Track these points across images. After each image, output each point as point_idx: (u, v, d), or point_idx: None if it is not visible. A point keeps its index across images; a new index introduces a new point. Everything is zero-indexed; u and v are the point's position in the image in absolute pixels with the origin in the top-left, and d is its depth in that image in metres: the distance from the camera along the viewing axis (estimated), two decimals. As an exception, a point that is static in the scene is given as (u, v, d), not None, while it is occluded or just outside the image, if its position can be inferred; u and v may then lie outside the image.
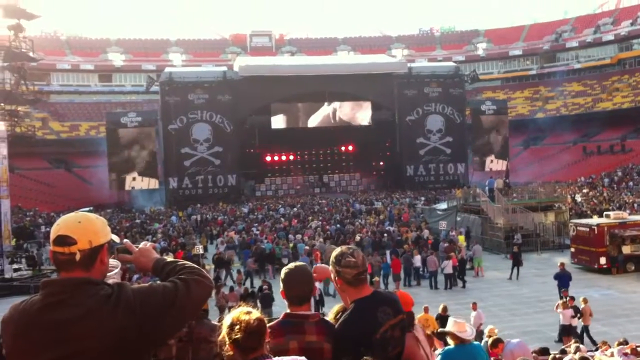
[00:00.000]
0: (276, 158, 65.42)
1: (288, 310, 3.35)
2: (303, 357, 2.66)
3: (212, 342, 2.97)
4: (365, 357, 2.96)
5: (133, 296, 2.43)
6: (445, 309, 18.05)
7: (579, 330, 17.12)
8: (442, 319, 17.31)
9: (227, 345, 2.64)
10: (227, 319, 2.67)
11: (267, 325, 3.17)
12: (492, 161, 60.98)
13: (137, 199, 57.72)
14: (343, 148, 67.76)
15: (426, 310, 17.54)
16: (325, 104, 60.32)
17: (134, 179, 56.32)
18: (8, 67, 54.60)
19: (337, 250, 3.42)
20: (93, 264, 2.47)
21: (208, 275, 2.73)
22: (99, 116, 69.25)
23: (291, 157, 66.34)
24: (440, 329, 6.50)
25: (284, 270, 3.42)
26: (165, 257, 2.90)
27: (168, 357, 2.87)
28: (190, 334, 3.00)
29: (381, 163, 65.27)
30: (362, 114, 61.43)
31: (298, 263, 3.55)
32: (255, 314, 2.67)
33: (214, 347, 2.95)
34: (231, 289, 21.73)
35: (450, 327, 6.10)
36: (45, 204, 55.22)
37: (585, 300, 17.71)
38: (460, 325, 6.00)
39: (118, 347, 2.34)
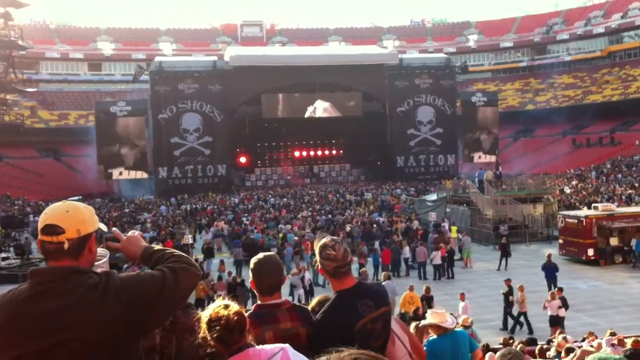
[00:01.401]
0: (266, 148, 65.25)
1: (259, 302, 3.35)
2: (287, 345, 2.64)
3: (196, 332, 2.96)
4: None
5: (121, 285, 2.41)
6: (428, 289, 18.54)
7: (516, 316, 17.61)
8: (427, 299, 17.65)
9: (209, 341, 2.63)
10: (206, 315, 2.65)
11: None
12: (480, 157, 61.19)
13: (126, 188, 57.55)
14: (334, 139, 67.73)
15: (411, 289, 17.90)
16: (317, 102, 60.12)
17: (120, 173, 56.32)
18: (-4, 55, 54.21)
19: (322, 241, 3.41)
20: (81, 253, 2.46)
21: (196, 264, 2.72)
22: (88, 105, 68.86)
23: (281, 148, 66.24)
24: (422, 322, 6.61)
25: (253, 261, 3.42)
26: (154, 246, 2.88)
27: (151, 346, 2.85)
28: (175, 324, 2.99)
29: (371, 154, 65.26)
30: (352, 106, 61.29)
31: (267, 253, 3.56)
32: (234, 307, 2.65)
33: (197, 336, 2.94)
34: (219, 278, 21.72)
35: (430, 318, 6.25)
36: (33, 193, 54.96)
37: (521, 288, 18.13)
38: (440, 315, 6.17)
39: (106, 335, 2.33)
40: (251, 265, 3.40)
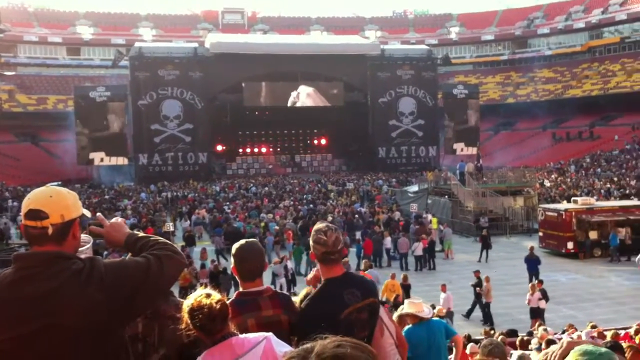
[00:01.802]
0: (248, 137, 65.02)
1: (241, 289, 3.39)
2: (270, 333, 2.68)
3: (178, 320, 2.92)
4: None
5: (105, 271, 2.41)
6: (405, 277, 18.90)
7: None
8: (405, 287, 17.81)
9: (191, 330, 2.65)
10: (188, 304, 2.67)
11: None
12: (462, 149, 61.35)
13: (106, 174, 57.07)
14: (315, 129, 67.62)
15: (393, 276, 18.10)
16: (300, 87, 59.92)
17: (102, 159, 55.78)
18: (-27, 37, 53.28)
19: (318, 225, 3.47)
20: (65, 239, 2.44)
21: (180, 252, 2.72)
22: (67, 90, 68.04)
23: (263, 137, 66.04)
24: (399, 312, 6.74)
25: (234, 246, 3.44)
26: (137, 233, 2.87)
27: (134, 334, 2.85)
28: (156, 311, 2.95)
29: (353, 144, 65.31)
30: (333, 96, 61.17)
31: (249, 239, 3.59)
32: (216, 296, 2.67)
33: (180, 324, 2.90)
34: (202, 266, 21.67)
35: (408, 308, 6.48)
36: (11, 177, 54.31)
37: (487, 279, 18.38)
38: (417, 305, 6.42)
39: (90, 321, 2.32)
40: (233, 251, 3.42)
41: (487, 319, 17.86)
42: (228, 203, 39.46)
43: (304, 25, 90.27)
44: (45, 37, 78.94)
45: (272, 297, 3.34)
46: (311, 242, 3.41)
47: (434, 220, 31.36)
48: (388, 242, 26.60)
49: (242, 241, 3.49)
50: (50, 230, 2.39)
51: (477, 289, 18.19)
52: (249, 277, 3.36)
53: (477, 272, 19.10)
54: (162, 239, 2.72)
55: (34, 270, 2.34)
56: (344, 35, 74.88)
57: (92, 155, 55.13)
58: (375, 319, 3.42)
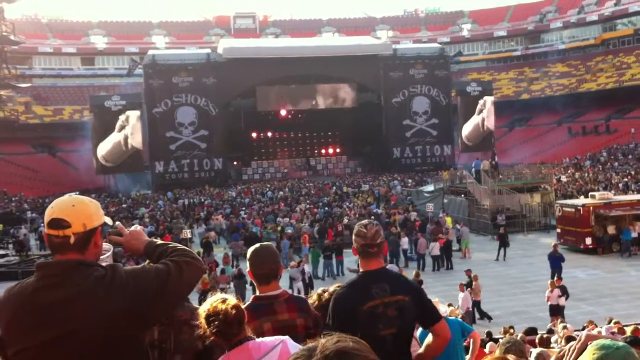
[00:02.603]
0: (262, 141, 65.18)
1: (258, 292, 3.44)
2: (287, 337, 2.70)
3: (193, 326, 2.98)
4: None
5: (126, 278, 2.45)
6: (417, 274, 18.81)
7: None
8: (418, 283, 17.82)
9: (208, 335, 2.70)
10: (204, 309, 2.71)
11: None
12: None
13: (123, 183, 57.43)
14: (330, 131, 67.65)
15: (417, 275, 18.10)
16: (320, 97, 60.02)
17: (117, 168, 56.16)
18: (-11, 50, 53.89)
19: (361, 221, 3.61)
20: (87, 247, 2.49)
21: (199, 258, 2.76)
22: (82, 100, 68.60)
23: (277, 141, 66.17)
24: None
25: (250, 250, 3.51)
26: (156, 240, 2.92)
27: (150, 341, 2.89)
28: (172, 317, 3.01)
29: (367, 145, 65.25)
30: (346, 97, 61.15)
31: (264, 243, 3.68)
32: (232, 300, 2.72)
33: (195, 330, 2.96)
34: (222, 271, 21.83)
35: None
36: (29, 189, 54.83)
37: (475, 277, 18.44)
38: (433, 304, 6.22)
39: (112, 327, 2.36)
40: (248, 254, 3.48)
41: (484, 316, 17.82)
42: (244, 208, 39.57)
43: (315, 28, 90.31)
44: (59, 47, 79.55)
45: (288, 301, 3.39)
46: (353, 236, 3.52)
47: (448, 219, 31.25)
48: (405, 242, 26.56)
49: (257, 245, 3.56)
50: (72, 239, 2.43)
51: (469, 288, 17.99)
52: (264, 280, 3.41)
53: (468, 271, 19.13)
54: (180, 246, 2.76)
55: (56, 279, 2.39)
56: (355, 36, 74.84)
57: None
58: (406, 318, 3.40)
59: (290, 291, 3.77)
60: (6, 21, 55.39)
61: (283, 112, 61.31)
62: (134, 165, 55.64)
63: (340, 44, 66.78)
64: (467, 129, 62.08)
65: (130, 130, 54.69)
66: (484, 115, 61.84)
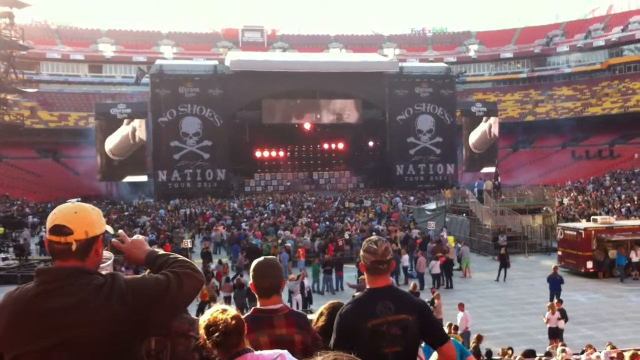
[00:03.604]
0: (266, 154, 65.35)
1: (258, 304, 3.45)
2: (285, 351, 2.69)
3: (190, 337, 2.97)
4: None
5: (126, 287, 2.45)
6: (415, 286, 18.96)
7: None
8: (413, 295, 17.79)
9: (207, 345, 2.68)
10: (204, 319, 2.70)
11: None
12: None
13: (126, 191, 57.55)
14: (333, 146, 67.80)
15: (414, 287, 18.20)
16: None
17: (122, 176, 56.44)
18: (-2, 55, 54.13)
19: (369, 237, 3.58)
20: (88, 254, 2.48)
21: (199, 270, 2.75)
22: (88, 107, 68.86)
23: (281, 154, 66.32)
24: None
25: (253, 263, 3.52)
26: (158, 250, 2.91)
27: (147, 351, 2.87)
28: (169, 328, 3.01)
29: (371, 162, 65.32)
30: (351, 113, 61.34)
31: (268, 257, 3.65)
32: (231, 311, 2.71)
33: (192, 341, 2.94)
34: (227, 279, 21.87)
35: None
36: (32, 193, 54.90)
37: (438, 296, 18.53)
38: None
39: (109, 336, 2.36)
40: (251, 268, 3.49)
41: None
42: (245, 220, 39.57)
43: (323, 43, 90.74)
44: (67, 54, 79.96)
45: (288, 316, 3.39)
46: (361, 252, 3.49)
47: (450, 238, 31.19)
48: (405, 260, 26.49)
49: (261, 258, 3.56)
50: (74, 246, 2.43)
51: (432, 306, 17.94)
52: (265, 294, 3.42)
53: (433, 289, 19.28)
54: (181, 257, 2.76)
55: (55, 285, 2.38)
56: (362, 53, 75.12)
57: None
58: (410, 338, 3.37)
59: (288, 304, 3.74)
60: (15, 26, 55.62)
61: (307, 126, 61.47)
62: (138, 159, 55.99)
63: (347, 60, 67.08)
64: (474, 136, 62.52)
65: (138, 122, 55.48)
66: (491, 122, 62.41)
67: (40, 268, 2.50)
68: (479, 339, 14.82)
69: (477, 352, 13.05)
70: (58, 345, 2.31)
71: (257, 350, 2.78)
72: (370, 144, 64.38)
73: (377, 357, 3.26)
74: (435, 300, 18.23)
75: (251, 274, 3.46)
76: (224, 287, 21.31)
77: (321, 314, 3.90)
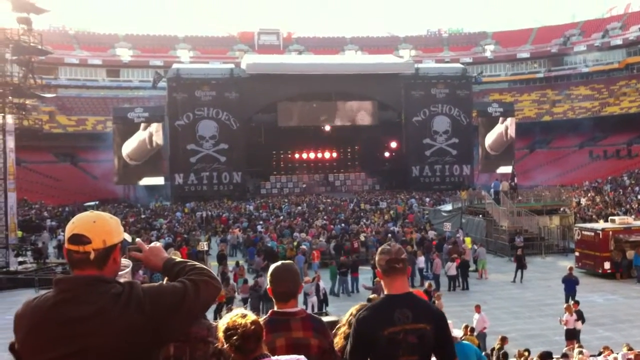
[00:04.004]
0: (282, 156, 65.43)
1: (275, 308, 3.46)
2: (302, 356, 2.70)
3: (209, 342, 3.01)
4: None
5: (143, 295, 2.46)
6: (430, 285, 19.22)
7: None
8: (427, 293, 18.22)
9: (226, 350, 2.68)
10: (223, 323, 2.71)
11: None
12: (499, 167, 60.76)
13: (143, 194, 57.92)
14: (349, 147, 67.73)
15: (429, 286, 18.32)
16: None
17: (139, 179, 56.85)
18: (16, 60, 54.62)
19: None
20: (106, 263, 2.50)
21: (216, 277, 2.76)
22: (105, 111, 69.41)
23: (297, 156, 66.41)
24: None
25: (271, 267, 3.52)
26: (175, 257, 2.93)
27: (166, 357, 2.91)
28: (187, 334, 3.05)
29: (387, 163, 65.22)
30: (367, 115, 61.31)
31: (285, 261, 3.66)
32: (251, 316, 2.72)
33: (210, 346, 2.98)
34: (245, 281, 22.03)
35: None
36: (50, 197, 55.42)
37: (438, 297, 18.30)
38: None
39: (127, 345, 2.37)
40: (269, 271, 3.50)
41: None
42: (262, 222, 39.69)
43: (338, 45, 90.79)
44: (85, 59, 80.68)
45: (305, 320, 3.39)
46: (377, 259, 3.47)
47: (468, 240, 31.10)
48: (421, 261, 26.45)
49: (279, 263, 3.57)
50: (92, 255, 2.44)
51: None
52: (282, 298, 3.44)
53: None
54: (199, 265, 2.76)
55: (74, 294, 2.39)
56: (378, 55, 75.10)
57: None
58: (427, 347, 3.32)
59: (304, 307, 3.77)
60: (34, 32, 56.09)
61: (325, 128, 61.65)
62: (155, 163, 56.36)
63: (363, 62, 67.10)
64: (490, 137, 62.26)
65: (155, 127, 55.77)
66: (507, 124, 62.06)
67: (58, 277, 2.51)
68: (503, 340, 14.80)
69: (504, 355, 13.03)
70: (76, 353, 2.32)
71: (272, 352, 2.81)
72: (386, 145, 64.20)
73: None
74: (436, 301, 18.25)
75: (269, 278, 3.47)
76: (242, 288, 21.47)
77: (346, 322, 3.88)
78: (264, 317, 3.34)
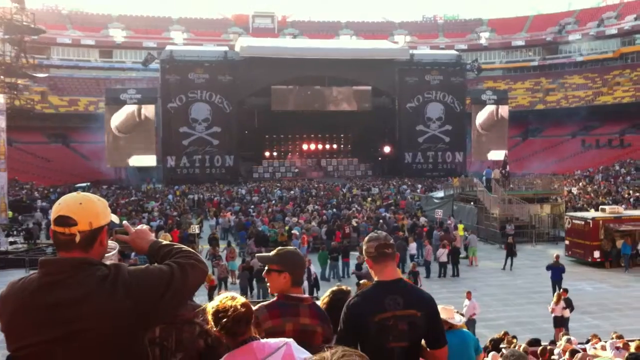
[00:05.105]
0: (275, 141, 65.27)
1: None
2: (291, 339, 2.69)
3: (195, 324, 2.99)
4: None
5: (129, 278, 2.43)
6: (414, 265, 20.65)
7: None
8: (413, 274, 20.04)
9: (214, 332, 2.68)
10: (213, 306, 2.69)
11: (264, 305, 3.31)
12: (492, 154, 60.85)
13: (134, 176, 57.74)
14: (342, 133, 67.61)
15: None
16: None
17: (130, 161, 56.61)
18: (9, 39, 54.17)
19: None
20: (92, 245, 2.48)
21: (203, 260, 2.74)
22: (98, 92, 68.97)
23: (290, 140, 66.27)
24: None
25: (287, 252, 3.50)
26: (161, 240, 2.90)
27: (151, 338, 2.87)
28: (174, 316, 3.02)
29: (379, 149, 65.21)
30: (361, 100, 61.16)
31: (291, 247, 3.65)
32: (240, 299, 2.70)
33: (197, 328, 2.97)
34: (243, 261, 22.25)
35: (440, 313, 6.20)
36: (42, 178, 55.19)
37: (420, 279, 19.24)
38: (449, 311, 6.11)
39: (113, 327, 2.35)
40: (285, 256, 3.44)
41: None
42: (253, 206, 39.67)
43: (333, 30, 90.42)
44: (78, 39, 79.99)
45: (311, 307, 3.39)
46: (364, 247, 3.46)
47: (460, 227, 31.18)
48: (413, 247, 26.51)
49: (291, 248, 3.58)
50: (78, 237, 2.42)
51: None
52: (299, 282, 3.44)
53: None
54: (185, 247, 2.74)
55: (59, 276, 2.36)
56: (373, 40, 74.95)
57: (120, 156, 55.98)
58: (417, 333, 3.33)
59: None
60: (27, 11, 55.59)
61: (316, 113, 61.09)
62: (144, 137, 56.07)
63: (358, 47, 66.84)
64: (481, 117, 62.43)
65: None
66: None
67: (43, 259, 2.48)
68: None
69: (495, 342, 13.08)
70: (62, 337, 2.30)
71: (281, 336, 2.80)
72: (379, 131, 64.17)
73: (383, 351, 3.25)
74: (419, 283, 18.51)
75: (288, 262, 3.43)
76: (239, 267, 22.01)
77: (324, 300, 3.94)
78: (271, 299, 3.39)
